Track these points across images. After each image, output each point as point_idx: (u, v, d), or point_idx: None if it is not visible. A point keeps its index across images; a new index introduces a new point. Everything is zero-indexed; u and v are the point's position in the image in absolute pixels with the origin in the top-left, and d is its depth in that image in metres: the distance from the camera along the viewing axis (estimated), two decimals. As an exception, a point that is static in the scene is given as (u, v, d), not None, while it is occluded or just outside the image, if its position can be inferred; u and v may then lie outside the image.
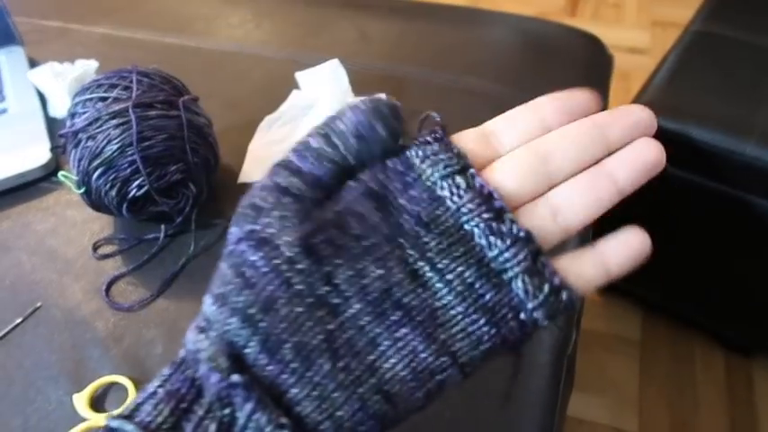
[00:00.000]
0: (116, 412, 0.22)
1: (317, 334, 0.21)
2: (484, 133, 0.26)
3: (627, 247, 0.24)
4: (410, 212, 0.24)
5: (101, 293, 0.46)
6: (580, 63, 0.72)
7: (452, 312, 0.22)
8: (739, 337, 1.08)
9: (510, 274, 0.23)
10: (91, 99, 0.47)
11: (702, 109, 0.87)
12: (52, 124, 0.61)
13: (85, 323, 0.45)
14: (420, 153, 0.24)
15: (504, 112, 0.26)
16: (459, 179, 0.24)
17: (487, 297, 0.23)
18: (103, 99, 0.46)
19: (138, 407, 0.21)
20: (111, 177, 0.45)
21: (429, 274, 0.23)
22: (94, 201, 0.48)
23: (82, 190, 0.47)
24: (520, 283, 0.23)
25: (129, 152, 0.45)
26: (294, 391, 0.21)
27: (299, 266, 0.22)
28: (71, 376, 0.42)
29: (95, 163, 0.45)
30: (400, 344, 0.22)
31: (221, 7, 0.80)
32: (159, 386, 0.21)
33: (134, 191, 0.46)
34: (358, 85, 0.59)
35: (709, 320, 1.08)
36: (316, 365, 0.21)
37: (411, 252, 0.23)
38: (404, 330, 0.22)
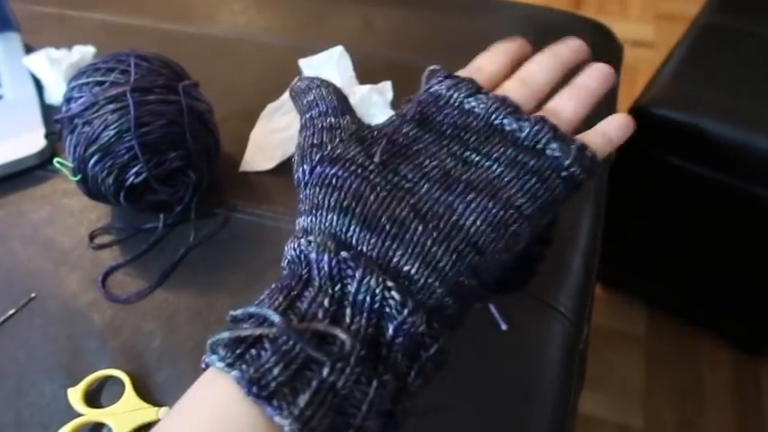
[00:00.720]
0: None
1: (404, 208, 0.26)
2: (472, 72, 0.32)
3: (617, 121, 0.31)
4: (447, 123, 0.30)
5: (97, 284, 0.45)
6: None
7: (506, 179, 0.28)
8: (747, 335, 1.06)
9: (542, 143, 0.29)
10: (87, 83, 0.45)
11: (712, 101, 0.86)
12: (48, 111, 0.59)
13: (81, 315, 0.43)
14: (442, 87, 0.31)
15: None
16: (479, 95, 0.30)
17: (531, 163, 0.28)
18: (100, 83, 0.45)
19: (252, 308, 0.25)
20: (107, 164, 0.44)
21: (477, 158, 0.29)
22: (91, 189, 0.46)
23: (78, 178, 0.45)
24: (554, 145, 0.28)
25: (127, 138, 0.43)
26: (399, 252, 0.25)
27: (371, 168, 0.27)
28: (66, 369, 0.40)
29: (91, 149, 0.44)
30: (473, 204, 0.26)
31: (222, -6, 0.79)
32: (270, 290, 0.25)
33: (132, 178, 0.44)
34: (362, 73, 0.57)
35: (716, 318, 1.07)
36: (411, 229, 0.25)
37: (456, 148, 0.29)
38: (471, 195, 0.27)
